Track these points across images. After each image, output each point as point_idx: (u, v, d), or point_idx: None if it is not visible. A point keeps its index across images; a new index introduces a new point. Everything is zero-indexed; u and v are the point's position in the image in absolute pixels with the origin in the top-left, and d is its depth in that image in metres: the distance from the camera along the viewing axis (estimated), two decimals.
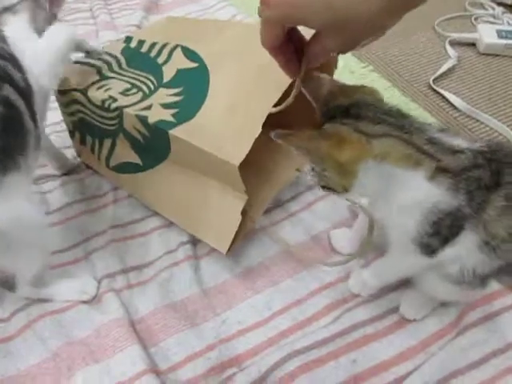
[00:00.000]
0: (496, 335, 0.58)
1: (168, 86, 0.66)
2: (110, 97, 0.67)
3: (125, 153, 0.71)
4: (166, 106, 0.63)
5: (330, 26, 0.36)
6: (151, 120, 0.61)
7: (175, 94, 0.64)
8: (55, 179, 0.79)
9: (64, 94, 0.71)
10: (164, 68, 0.70)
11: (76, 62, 0.74)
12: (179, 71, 0.68)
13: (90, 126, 0.72)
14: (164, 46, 0.74)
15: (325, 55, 0.42)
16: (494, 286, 0.61)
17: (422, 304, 0.59)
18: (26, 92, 0.52)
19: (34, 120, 0.53)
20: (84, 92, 0.69)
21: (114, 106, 0.65)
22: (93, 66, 0.73)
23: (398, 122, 0.44)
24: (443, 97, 0.94)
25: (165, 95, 0.65)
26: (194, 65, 0.68)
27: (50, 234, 0.60)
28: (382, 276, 0.59)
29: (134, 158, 0.70)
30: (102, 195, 0.76)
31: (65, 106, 0.74)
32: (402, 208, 0.47)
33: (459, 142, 0.45)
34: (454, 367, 0.55)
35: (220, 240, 0.62)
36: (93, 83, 0.70)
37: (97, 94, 0.68)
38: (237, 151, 0.54)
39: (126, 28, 1.10)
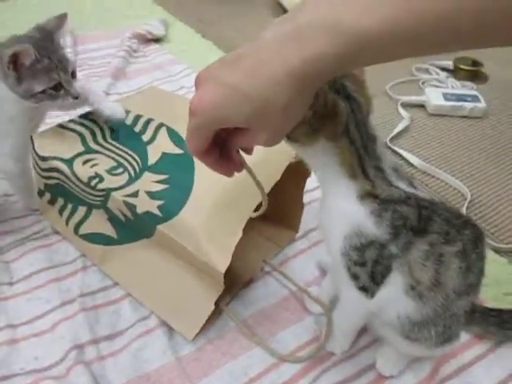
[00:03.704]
0: None
1: (153, 170, 0.67)
2: (97, 174, 0.66)
3: (99, 224, 0.70)
4: (152, 195, 0.63)
5: (251, 118, 0.36)
6: (139, 210, 0.62)
7: (161, 182, 0.65)
8: (20, 246, 0.76)
9: (45, 159, 0.70)
10: (149, 148, 0.71)
11: (60, 126, 0.73)
12: (164, 155, 0.69)
13: (66, 192, 0.71)
14: (148, 121, 0.75)
15: (253, 145, 0.44)
16: (464, 336, 0.63)
17: (397, 359, 0.60)
18: None
19: None
20: (69, 164, 0.68)
21: (100, 186, 0.65)
22: (77, 132, 0.73)
23: (365, 136, 0.46)
24: (400, 155, 1.00)
25: (150, 182, 0.65)
26: (180, 151, 0.70)
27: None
28: (339, 326, 0.60)
29: (110, 231, 0.69)
30: (71, 262, 0.74)
31: (43, 170, 0.72)
32: (334, 218, 0.49)
33: (402, 186, 0.48)
34: None
35: (186, 327, 0.63)
36: (78, 154, 0.70)
37: (83, 170, 0.67)
38: (222, 257, 0.56)
39: None
